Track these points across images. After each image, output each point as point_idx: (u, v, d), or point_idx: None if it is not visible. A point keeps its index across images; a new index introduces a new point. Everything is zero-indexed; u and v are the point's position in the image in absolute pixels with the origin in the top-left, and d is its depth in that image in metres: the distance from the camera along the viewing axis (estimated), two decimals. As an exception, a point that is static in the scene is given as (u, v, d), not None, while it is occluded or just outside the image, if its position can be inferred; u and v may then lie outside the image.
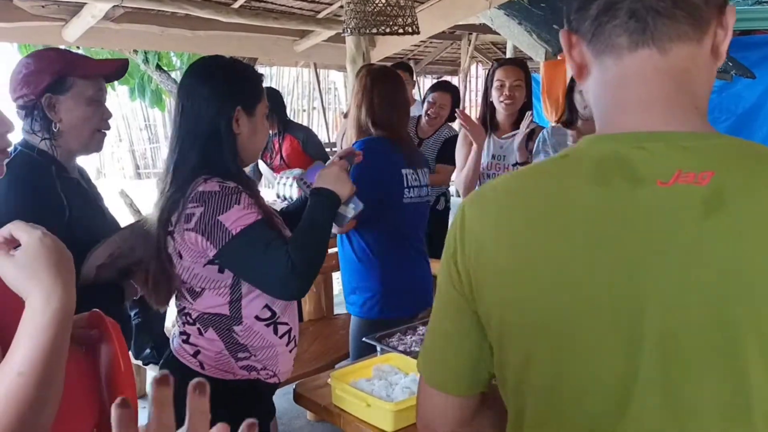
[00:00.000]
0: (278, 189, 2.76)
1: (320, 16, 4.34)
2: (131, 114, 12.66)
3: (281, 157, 3.64)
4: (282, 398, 1.79)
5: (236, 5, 3.86)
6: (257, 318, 1.38)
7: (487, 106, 2.60)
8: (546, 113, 4.83)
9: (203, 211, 1.28)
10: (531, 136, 2.53)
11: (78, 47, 4.04)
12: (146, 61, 5.20)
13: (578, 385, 0.61)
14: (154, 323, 2.31)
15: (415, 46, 6.93)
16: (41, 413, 0.66)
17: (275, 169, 3.51)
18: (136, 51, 5.06)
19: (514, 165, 2.53)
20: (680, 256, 0.55)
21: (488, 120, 2.60)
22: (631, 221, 0.58)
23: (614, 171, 0.60)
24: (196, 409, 0.44)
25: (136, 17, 3.74)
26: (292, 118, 4.42)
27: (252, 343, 1.38)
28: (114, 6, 3.38)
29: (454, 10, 4.22)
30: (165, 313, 2.12)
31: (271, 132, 3.54)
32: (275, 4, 4.04)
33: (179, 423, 0.45)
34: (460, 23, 5.26)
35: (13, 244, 0.69)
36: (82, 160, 1.55)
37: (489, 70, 2.65)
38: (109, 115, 1.50)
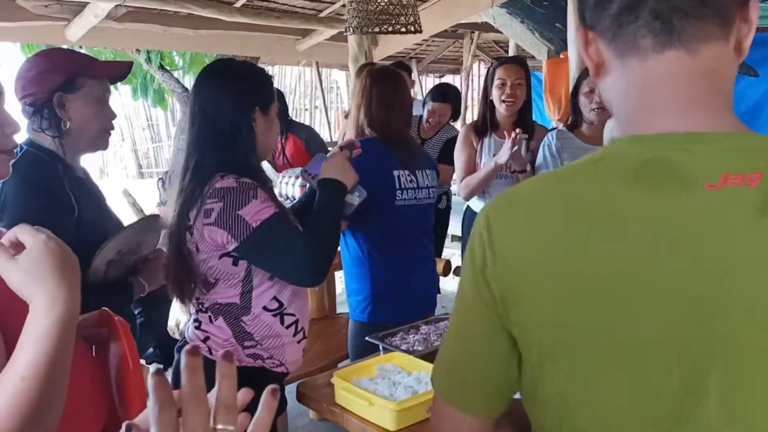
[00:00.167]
0: (281, 188, 2.75)
1: (322, 15, 4.34)
2: (134, 113, 12.69)
3: (284, 156, 3.64)
4: (285, 397, 1.79)
5: (238, 4, 3.86)
6: (265, 308, 1.44)
7: (487, 105, 2.56)
8: (548, 112, 4.83)
9: (222, 206, 1.34)
10: (529, 139, 2.49)
11: (81, 47, 4.05)
12: (149, 60, 5.21)
13: (634, 399, 0.58)
14: (157, 322, 2.32)
15: (418, 44, 6.92)
16: (45, 417, 0.66)
17: (278, 169, 3.52)
18: (138, 50, 5.07)
19: (513, 172, 2.47)
20: (739, 260, 0.54)
21: (488, 119, 2.56)
22: (684, 227, 0.55)
23: (659, 175, 0.57)
24: (224, 374, 0.49)
25: (138, 16, 3.75)
26: (294, 118, 4.42)
27: (258, 333, 1.44)
28: (116, 5, 3.38)
29: (456, 8, 4.21)
30: (168, 312, 2.13)
31: None
32: (277, 3, 4.04)
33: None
34: (463, 22, 5.26)
35: (18, 247, 0.69)
36: (85, 160, 1.56)
37: (489, 69, 2.59)
38: (114, 116, 1.52)
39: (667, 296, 0.56)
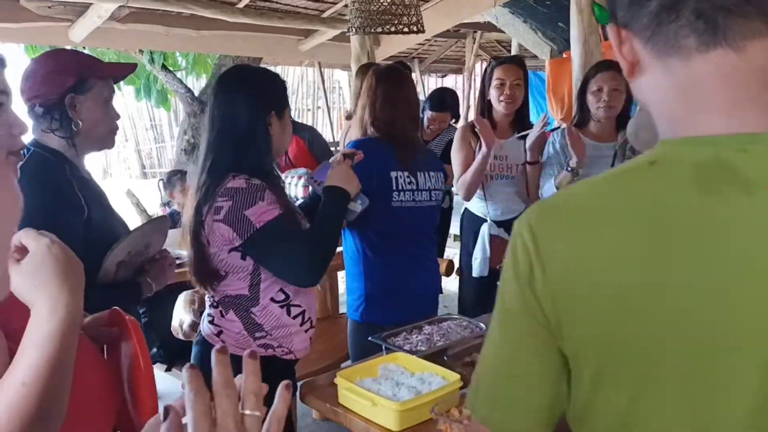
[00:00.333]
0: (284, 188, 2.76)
1: (325, 15, 4.34)
2: (137, 114, 12.71)
3: (287, 156, 3.65)
4: (296, 383, 1.79)
5: (241, 5, 3.87)
6: (272, 300, 1.52)
7: (484, 105, 2.50)
8: (551, 111, 4.82)
9: (231, 205, 1.42)
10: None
11: (84, 47, 4.06)
12: (152, 61, 5.22)
13: (698, 416, 0.56)
14: (160, 323, 2.33)
15: (420, 44, 6.92)
16: (46, 423, 0.65)
17: (282, 169, 3.52)
18: (141, 51, 5.08)
19: (522, 164, 2.48)
20: None
21: (486, 119, 2.50)
22: (750, 232, 0.54)
23: (719, 178, 0.55)
24: (250, 371, 0.55)
25: (141, 17, 3.76)
26: (296, 118, 4.42)
27: (267, 323, 1.52)
28: (119, 6, 3.39)
29: (459, 8, 4.21)
30: (171, 312, 2.14)
31: None
32: (280, 3, 4.05)
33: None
34: (465, 21, 5.25)
35: (22, 252, 0.69)
36: (88, 160, 1.57)
37: (487, 69, 2.55)
38: (119, 116, 1.55)
39: (738, 306, 0.53)
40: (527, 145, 2.43)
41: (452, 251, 5.12)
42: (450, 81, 9.88)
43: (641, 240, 0.56)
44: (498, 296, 0.65)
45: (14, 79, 1.42)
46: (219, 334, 1.53)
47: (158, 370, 2.65)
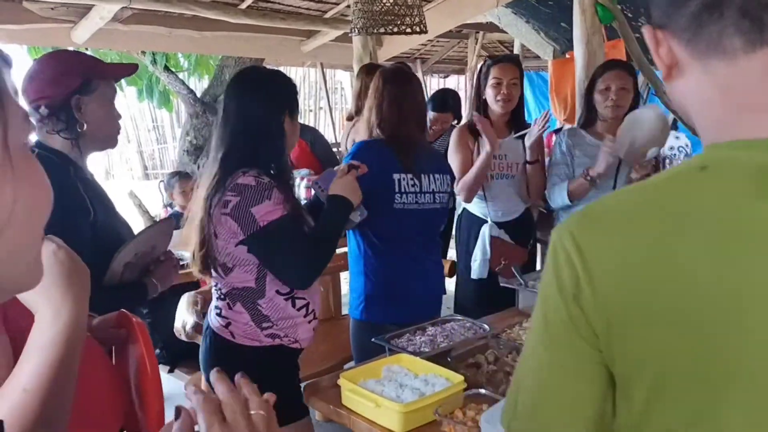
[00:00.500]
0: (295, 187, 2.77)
1: (327, 16, 4.34)
2: (139, 115, 12.73)
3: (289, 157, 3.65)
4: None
5: (243, 6, 3.87)
6: (278, 292, 1.58)
7: (480, 104, 2.47)
8: (554, 111, 4.81)
9: (239, 200, 1.48)
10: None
11: (87, 49, 4.07)
12: (154, 62, 5.22)
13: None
14: (163, 324, 2.32)
15: (422, 45, 6.91)
16: (49, 428, 0.65)
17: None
18: (144, 52, 5.08)
19: (523, 164, 2.47)
20: None
21: None
22: None
23: None
24: (245, 384, 0.63)
25: (143, 18, 3.76)
26: (299, 119, 4.41)
27: (273, 314, 1.58)
28: (122, 7, 3.39)
29: (461, 8, 4.21)
30: (174, 314, 2.13)
31: None
32: (282, 4, 4.05)
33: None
34: (468, 22, 5.25)
35: None
36: (91, 161, 1.57)
37: (481, 68, 2.51)
38: (120, 116, 1.56)
39: None
40: (527, 144, 2.41)
41: (455, 252, 5.11)
42: (452, 81, 9.87)
43: (703, 249, 0.53)
44: (538, 311, 0.62)
45: (16, 80, 1.42)
46: (227, 325, 1.59)
47: (161, 372, 2.64)
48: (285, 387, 1.59)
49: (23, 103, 1.39)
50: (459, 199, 2.54)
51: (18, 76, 1.44)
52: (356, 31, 2.89)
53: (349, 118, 3.27)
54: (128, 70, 1.58)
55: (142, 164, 13.22)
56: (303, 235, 1.55)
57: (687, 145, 6.86)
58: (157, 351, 2.68)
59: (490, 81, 2.41)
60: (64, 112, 1.40)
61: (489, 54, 7.87)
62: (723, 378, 0.53)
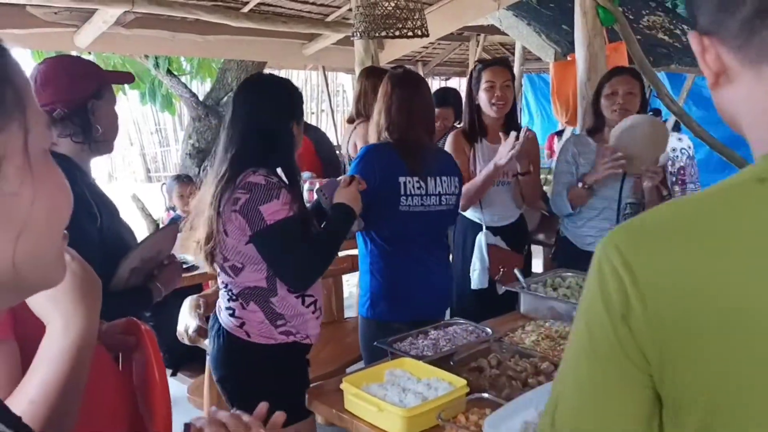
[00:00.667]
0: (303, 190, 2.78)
1: (329, 19, 4.35)
2: (142, 118, 12.76)
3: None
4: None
5: (245, 10, 3.88)
6: (288, 290, 1.63)
7: (474, 110, 2.42)
8: (556, 114, 4.81)
9: (248, 198, 1.53)
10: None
11: (90, 53, 4.08)
12: (157, 65, 5.24)
13: None
14: (166, 328, 2.33)
15: (424, 47, 6.92)
16: None
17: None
18: (146, 56, 5.10)
19: (515, 176, 2.41)
20: None
21: (477, 124, 2.44)
22: None
23: None
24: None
25: (146, 23, 3.77)
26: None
27: (286, 312, 1.64)
28: (125, 12, 3.40)
29: (463, 11, 4.21)
30: (176, 317, 2.14)
31: None
32: (284, 8, 4.06)
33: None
34: (469, 24, 5.25)
35: None
36: (94, 165, 1.58)
37: (473, 72, 2.45)
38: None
39: None
40: (499, 163, 2.27)
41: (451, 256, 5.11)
42: (453, 84, 9.87)
43: (765, 269, 0.50)
44: (581, 324, 0.59)
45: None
46: (242, 325, 1.64)
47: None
48: (298, 382, 1.66)
49: None
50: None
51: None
52: (358, 34, 2.90)
53: (350, 121, 3.27)
54: (127, 78, 1.63)
55: (145, 167, 13.25)
56: (307, 237, 1.60)
57: (690, 147, 6.86)
58: (160, 354, 2.68)
59: (483, 85, 2.38)
60: (79, 116, 1.41)
61: (491, 56, 7.88)
62: None
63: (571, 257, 2.52)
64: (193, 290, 2.42)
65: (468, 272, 2.44)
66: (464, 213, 2.56)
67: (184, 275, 1.70)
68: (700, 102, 7.23)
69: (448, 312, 2.53)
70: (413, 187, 1.94)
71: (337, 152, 3.98)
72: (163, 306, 1.94)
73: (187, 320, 2.05)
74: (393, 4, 2.77)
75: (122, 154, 12.98)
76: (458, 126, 3.50)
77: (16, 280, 0.46)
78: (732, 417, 0.53)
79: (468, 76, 2.52)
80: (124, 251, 1.42)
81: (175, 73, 5.60)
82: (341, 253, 2.35)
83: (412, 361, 1.49)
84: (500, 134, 2.36)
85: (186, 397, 2.38)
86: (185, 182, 3.73)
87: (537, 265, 3.80)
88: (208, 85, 6.75)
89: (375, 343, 1.66)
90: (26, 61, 4.81)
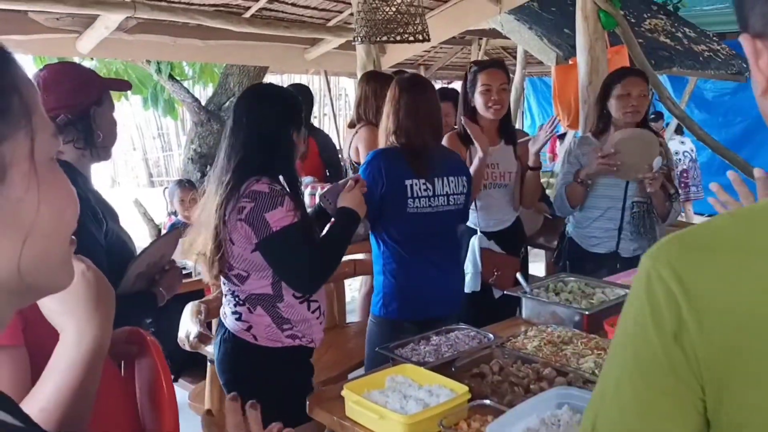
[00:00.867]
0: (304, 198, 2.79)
1: (330, 24, 4.35)
2: (144, 123, 12.79)
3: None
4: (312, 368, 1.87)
5: (247, 15, 3.88)
6: (294, 296, 1.68)
7: (469, 112, 2.40)
8: (558, 117, 4.80)
9: (253, 206, 1.58)
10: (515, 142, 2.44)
11: (92, 58, 4.09)
12: (159, 71, 5.25)
13: None
14: (167, 333, 2.32)
15: (426, 51, 6.93)
16: None
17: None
18: (148, 61, 5.11)
19: (516, 172, 2.41)
20: None
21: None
22: None
23: None
24: (252, 418, 0.68)
25: (148, 28, 3.78)
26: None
27: (293, 317, 1.69)
28: (127, 17, 3.41)
29: (464, 15, 4.22)
30: (177, 323, 2.13)
31: None
32: (286, 12, 4.06)
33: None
34: (471, 28, 5.25)
35: None
36: (96, 169, 1.58)
37: (467, 74, 2.42)
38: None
39: None
40: (532, 151, 2.37)
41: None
42: (456, 87, 9.88)
43: None
44: (626, 344, 0.56)
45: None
46: (249, 329, 1.68)
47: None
48: (304, 385, 1.71)
49: None
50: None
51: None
52: (359, 39, 2.90)
53: (351, 126, 3.27)
54: (124, 85, 1.65)
55: (148, 172, 13.27)
56: (312, 242, 1.65)
57: (692, 150, 6.85)
58: (162, 360, 2.68)
59: (479, 88, 2.37)
60: (82, 122, 1.42)
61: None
62: None
63: (576, 258, 2.51)
64: (195, 296, 2.42)
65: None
66: None
67: (184, 281, 1.71)
68: (702, 105, 7.23)
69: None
70: (420, 189, 1.99)
71: (339, 156, 3.98)
72: (164, 312, 1.95)
73: (188, 326, 2.04)
74: (394, 9, 2.77)
75: (125, 159, 13.01)
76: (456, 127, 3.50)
77: (21, 285, 0.46)
78: None
79: (463, 79, 2.50)
80: (127, 257, 1.42)
81: (177, 78, 5.61)
82: (343, 258, 2.35)
83: (413, 367, 1.48)
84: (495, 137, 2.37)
85: (187, 403, 2.37)
86: (187, 187, 3.73)
87: (539, 269, 3.79)
88: (210, 90, 6.76)
89: (377, 349, 1.66)
90: (28, 67, 4.83)
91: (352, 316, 3.44)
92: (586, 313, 1.78)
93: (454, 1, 4.18)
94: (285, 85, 3.75)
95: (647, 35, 4.93)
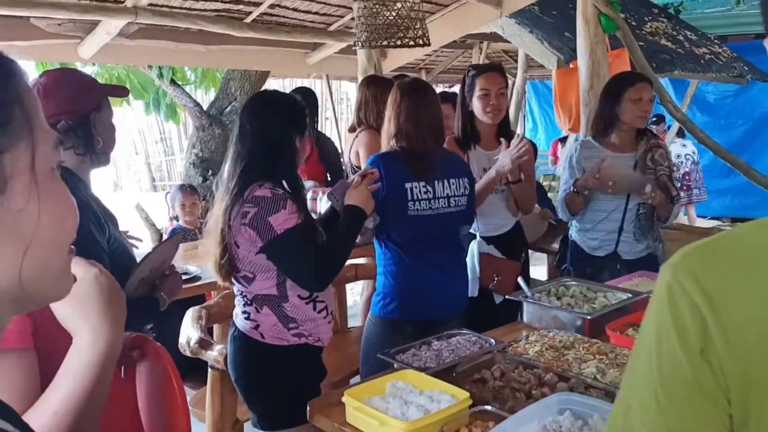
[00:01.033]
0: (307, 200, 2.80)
1: (331, 28, 4.36)
2: (147, 128, 12.83)
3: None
4: (324, 366, 1.90)
5: (249, 20, 3.89)
6: (299, 297, 1.72)
7: (466, 116, 2.38)
8: (559, 121, 4.80)
9: (257, 211, 1.62)
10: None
11: (94, 64, 4.11)
12: (161, 76, 5.27)
13: None
14: (168, 339, 2.32)
15: (427, 55, 6.94)
16: None
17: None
18: (150, 66, 5.12)
19: (506, 184, 2.35)
20: None
21: (470, 132, 2.40)
22: None
23: None
24: None
25: (150, 33, 3.79)
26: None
27: (298, 317, 1.73)
28: (128, 23, 3.42)
29: (465, 19, 4.22)
30: (178, 328, 2.13)
31: None
32: (287, 17, 4.07)
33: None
34: (472, 32, 5.26)
35: None
36: (96, 174, 1.59)
37: (465, 79, 2.39)
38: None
39: None
40: (502, 171, 2.24)
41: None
42: (453, 90, 9.89)
43: None
44: (651, 358, 0.53)
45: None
46: (256, 327, 1.73)
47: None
48: (311, 383, 1.75)
49: None
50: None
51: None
52: (360, 44, 2.91)
53: (351, 130, 3.27)
54: (120, 92, 1.68)
55: (150, 176, 13.30)
56: (317, 241, 1.69)
57: (694, 153, 6.84)
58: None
59: (477, 92, 2.34)
60: (83, 128, 1.42)
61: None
62: None
63: (579, 261, 2.51)
64: (195, 301, 2.42)
65: None
66: None
67: (185, 286, 1.72)
68: (704, 108, 7.22)
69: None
70: (420, 192, 2.00)
71: (341, 160, 3.99)
72: (165, 317, 1.95)
73: (189, 332, 2.04)
74: (394, 14, 2.78)
75: (128, 164, 13.05)
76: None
77: (22, 294, 0.47)
78: None
79: (461, 83, 2.48)
80: (128, 262, 1.43)
81: (179, 82, 5.63)
82: (346, 262, 2.35)
83: (414, 372, 1.48)
84: (501, 141, 2.34)
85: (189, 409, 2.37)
86: (189, 192, 3.73)
87: (541, 272, 3.78)
88: (212, 95, 6.79)
89: (378, 355, 1.65)
90: (31, 72, 4.85)
91: (354, 321, 3.44)
92: (588, 317, 1.77)
93: (455, 6, 4.18)
94: (288, 90, 3.78)
95: (648, 38, 4.93)
